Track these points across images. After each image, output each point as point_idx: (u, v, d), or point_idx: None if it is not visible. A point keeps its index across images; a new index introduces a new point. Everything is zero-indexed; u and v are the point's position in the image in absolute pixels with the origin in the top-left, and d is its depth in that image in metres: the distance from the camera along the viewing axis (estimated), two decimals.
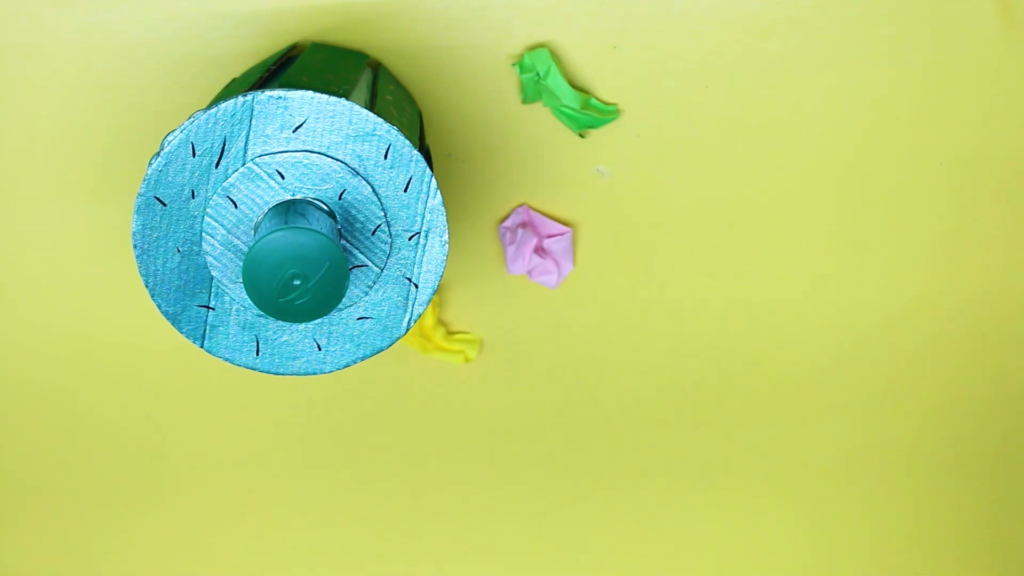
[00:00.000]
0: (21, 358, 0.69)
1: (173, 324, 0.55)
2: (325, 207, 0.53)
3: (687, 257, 0.69)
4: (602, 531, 0.73)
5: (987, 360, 0.71)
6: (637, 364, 0.71)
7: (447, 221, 0.56)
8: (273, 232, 0.50)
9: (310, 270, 0.50)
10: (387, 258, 0.55)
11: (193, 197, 0.53)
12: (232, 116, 0.52)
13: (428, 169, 0.54)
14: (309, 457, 0.72)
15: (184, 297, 0.54)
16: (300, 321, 0.51)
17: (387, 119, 0.57)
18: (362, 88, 0.59)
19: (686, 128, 0.67)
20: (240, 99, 0.52)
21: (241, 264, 0.53)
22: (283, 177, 0.53)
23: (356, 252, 0.54)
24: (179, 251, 0.54)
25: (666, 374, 0.71)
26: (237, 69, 0.64)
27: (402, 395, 0.71)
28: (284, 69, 0.60)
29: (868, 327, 0.70)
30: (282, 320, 0.51)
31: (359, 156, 0.53)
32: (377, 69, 0.64)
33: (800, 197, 0.68)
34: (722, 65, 0.66)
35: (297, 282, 0.50)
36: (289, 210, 0.52)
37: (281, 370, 0.55)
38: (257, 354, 0.55)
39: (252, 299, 0.50)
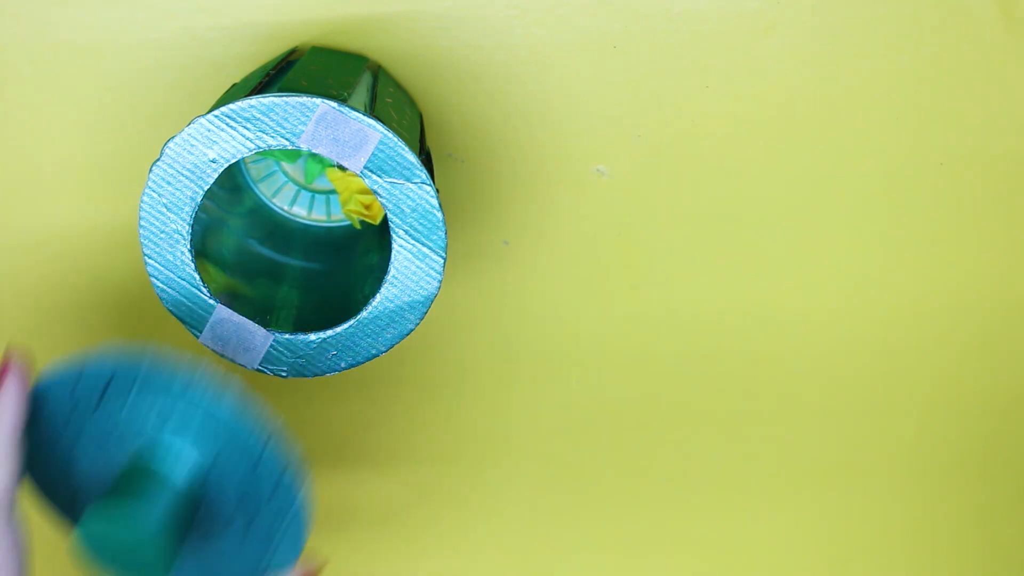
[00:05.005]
0: None
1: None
2: (184, 480, 0.53)
3: (687, 257, 0.69)
4: (602, 530, 0.73)
5: (987, 360, 0.71)
6: (637, 364, 0.71)
7: (307, 528, 0.56)
8: (105, 517, 0.51)
9: (134, 562, 0.51)
10: (242, 538, 0.55)
11: (67, 426, 0.54)
12: (117, 377, 0.53)
13: (300, 502, 0.54)
14: (308, 457, 0.72)
15: (48, 498, 0.56)
16: None
17: (386, 121, 0.57)
18: (361, 91, 0.59)
19: (686, 128, 0.67)
20: (129, 373, 0.53)
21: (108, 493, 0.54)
22: (152, 438, 0.54)
23: (213, 527, 0.55)
24: (48, 458, 0.55)
25: (666, 374, 0.71)
26: (237, 72, 0.64)
27: (402, 395, 0.71)
28: (284, 73, 0.60)
29: (868, 326, 0.70)
30: None
31: (225, 458, 0.54)
32: (377, 72, 0.63)
33: (800, 197, 0.68)
34: (722, 65, 0.66)
35: (120, 566, 0.52)
36: (144, 477, 0.53)
37: None
38: None
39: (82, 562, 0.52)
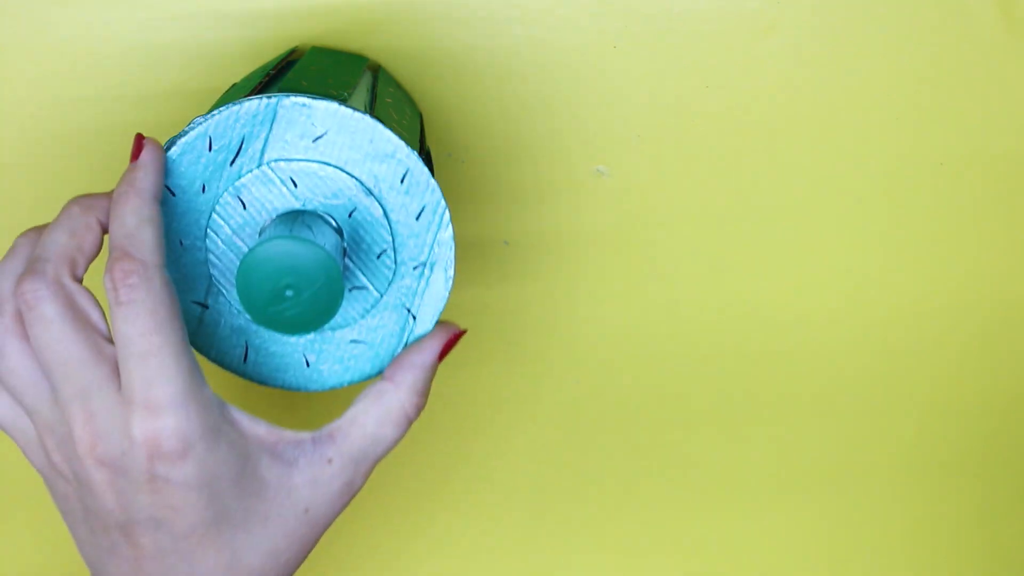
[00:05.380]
0: None
1: None
2: (333, 223, 0.53)
3: (687, 257, 0.69)
4: (602, 530, 0.73)
5: (987, 360, 0.71)
6: (637, 364, 0.71)
7: (455, 256, 0.55)
8: (274, 239, 0.49)
9: (304, 283, 0.49)
10: (389, 284, 0.54)
11: (203, 191, 0.53)
12: (254, 117, 0.52)
13: (443, 201, 0.53)
14: None
15: (180, 291, 0.54)
16: (287, 333, 0.50)
17: (387, 122, 0.57)
18: (362, 91, 0.59)
19: (686, 128, 0.67)
20: (264, 100, 0.52)
21: None
22: (296, 186, 0.52)
23: (358, 273, 0.54)
24: (182, 243, 0.53)
25: (666, 374, 0.71)
26: (237, 73, 0.64)
27: None
28: (284, 73, 0.60)
29: (868, 327, 0.70)
30: (268, 328, 0.50)
31: (375, 177, 0.53)
32: (377, 71, 0.64)
33: (800, 197, 0.68)
34: (722, 65, 0.66)
35: (289, 293, 0.49)
36: (296, 220, 0.51)
37: (267, 380, 0.55)
38: (245, 360, 0.55)
39: (242, 302, 0.49)
